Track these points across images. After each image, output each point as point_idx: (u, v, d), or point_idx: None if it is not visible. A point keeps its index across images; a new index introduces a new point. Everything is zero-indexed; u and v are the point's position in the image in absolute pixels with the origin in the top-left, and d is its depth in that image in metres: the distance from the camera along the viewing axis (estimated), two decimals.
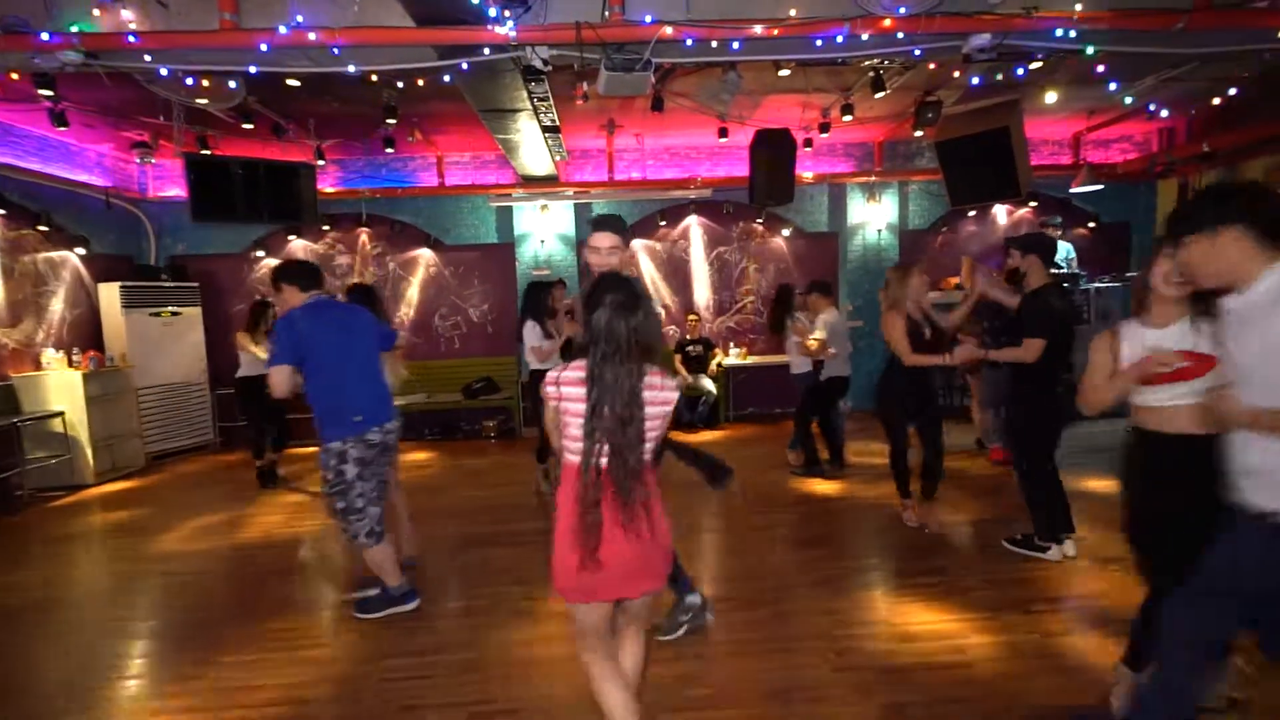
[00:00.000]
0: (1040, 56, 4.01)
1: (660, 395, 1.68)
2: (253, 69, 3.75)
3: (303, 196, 6.15)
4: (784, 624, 2.86)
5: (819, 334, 4.87)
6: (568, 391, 1.65)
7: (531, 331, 4.30)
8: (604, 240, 2.27)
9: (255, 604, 3.21)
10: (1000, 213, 7.82)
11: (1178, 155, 6.55)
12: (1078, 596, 3.02)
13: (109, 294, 6.30)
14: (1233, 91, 5.43)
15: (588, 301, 1.65)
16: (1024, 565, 3.31)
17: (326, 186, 6.95)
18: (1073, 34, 3.68)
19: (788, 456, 5.42)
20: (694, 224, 7.66)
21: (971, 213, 7.63)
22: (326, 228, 7.25)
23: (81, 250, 6.14)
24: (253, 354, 5.03)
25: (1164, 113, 5.88)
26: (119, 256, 6.78)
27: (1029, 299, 3.26)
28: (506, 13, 3.40)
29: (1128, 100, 5.50)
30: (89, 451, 5.65)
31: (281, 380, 2.70)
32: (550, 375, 1.70)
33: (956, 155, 6.09)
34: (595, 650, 1.80)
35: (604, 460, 1.62)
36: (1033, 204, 7.58)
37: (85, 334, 6.25)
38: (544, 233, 7.25)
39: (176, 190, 6.94)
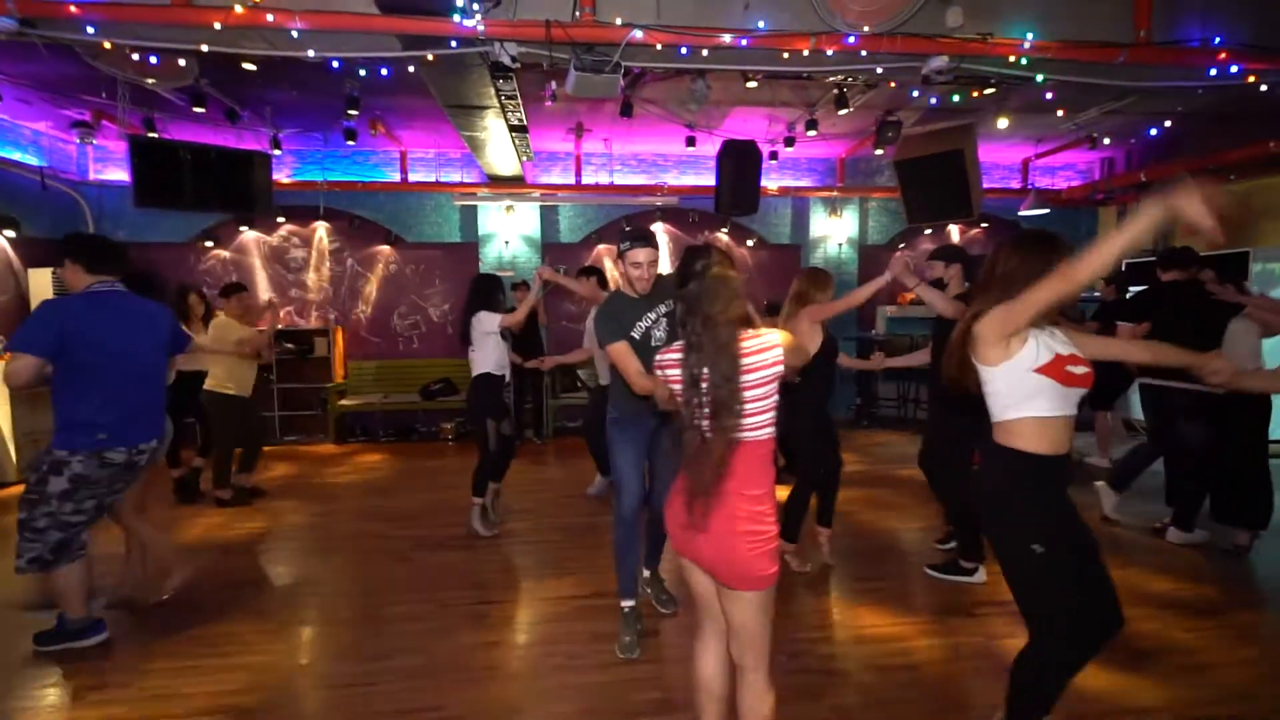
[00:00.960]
0: (994, 81, 4.19)
1: (759, 358, 1.60)
2: (205, 48, 3.60)
3: (256, 185, 5.92)
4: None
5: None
6: (670, 374, 1.70)
7: (489, 319, 3.78)
8: (643, 255, 2.42)
9: (187, 609, 3.05)
10: (954, 232, 8.11)
11: (1116, 184, 6.94)
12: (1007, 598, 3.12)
13: (40, 281, 5.93)
14: (1168, 124, 5.78)
15: (683, 274, 1.69)
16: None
17: (282, 177, 6.72)
18: (1024, 61, 3.86)
19: None
20: (661, 230, 7.71)
21: (928, 231, 7.89)
22: (281, 219, 7.00)
23: (11, 233, 5.76)
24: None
25: (1105, 141, 6.22)
26: (53, 241, 6.38)
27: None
28: (475, 6, 3.36)
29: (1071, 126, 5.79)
30: (11, 448, 5.29)
31: (22, 370, 2.31)
32: (657, 360, 1.75)
33: (914, 175, 6.29)
34: (702, 626, 1.80)
35: (706, 428, 1.60)
36: (984, 224, 7.89)
37: (13, 323, 5.85)
38: (509, 234, 7.18)
39: (119, 174, 6.60)
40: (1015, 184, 7.78)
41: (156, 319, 2.69)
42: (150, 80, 4.27)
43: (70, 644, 2.70)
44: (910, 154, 6.19)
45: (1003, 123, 5.52)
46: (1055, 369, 1.72)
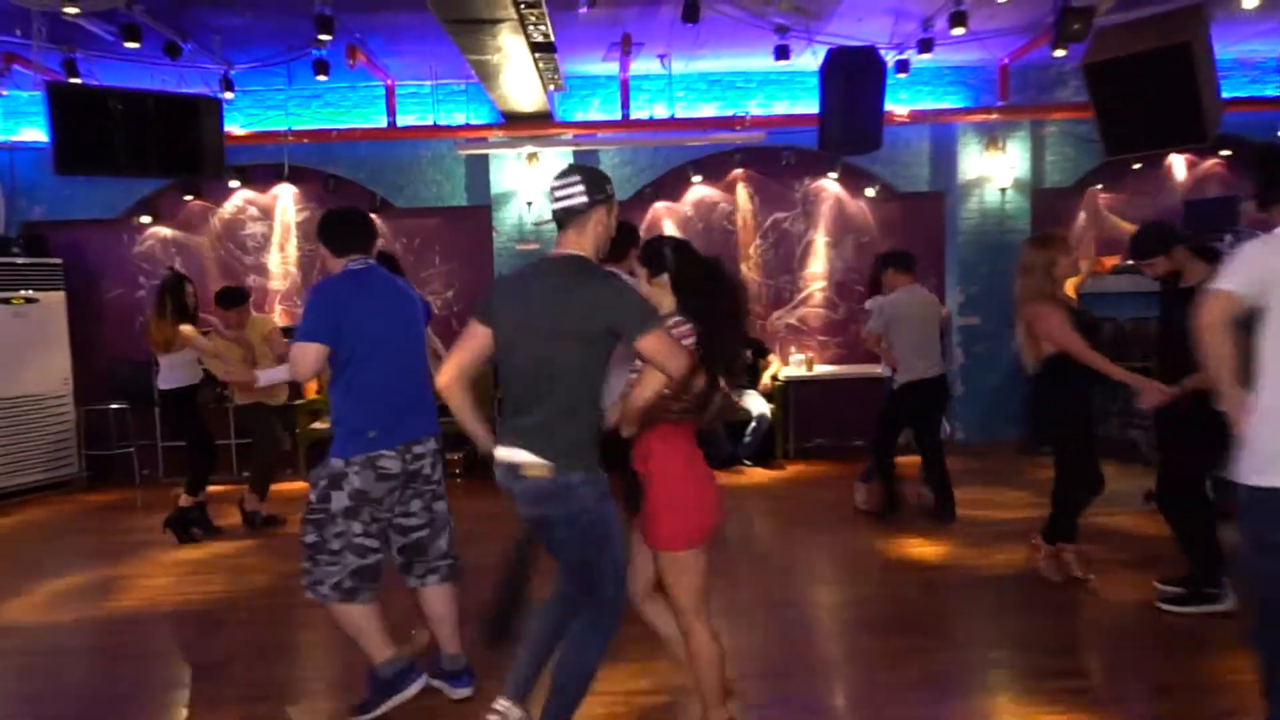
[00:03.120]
0: None
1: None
2: None
3: (204, 141, 6.28)
4: None
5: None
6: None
7: None
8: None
9: (130, 698, 3.23)
10: (1178, 165, 7.70)
11: None
12: None
13: None
14: None
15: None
16: (1212, 665, 3.24)
17: (236, 128, 7.10)
18: None
19: (855, 494, 5.48)
20: (741, 180, 7.65)
21: (1136, 165, 7.54)
22: (235, 184, 7.38)
23: None
24: (194, 349, 5.08)
25: None
26: None
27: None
28: None
29: None
30: None
31: (305, 359, 2.79)
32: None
33: (1115, 84, 6.03)
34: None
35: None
36: (1224, 152, 7.48)
37: None
38: (531, 192, 7.31)
39: (34, 131, 7.13)
40: (1272, 89, 7.33)
41: (414, 300, 3.13)
42: (69, 7, 4.59)
43: (392, 698, 2.95)
44: (1109, 53, 5.93)
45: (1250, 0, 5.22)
46: None
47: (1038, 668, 3.31)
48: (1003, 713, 3.00)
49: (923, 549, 4.78)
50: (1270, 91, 7.34)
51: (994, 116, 7.27)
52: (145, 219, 7.47)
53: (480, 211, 7.45)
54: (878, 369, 6.93)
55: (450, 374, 2.42)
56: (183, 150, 6.15)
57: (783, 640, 3.61)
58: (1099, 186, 7.69)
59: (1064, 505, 4.00)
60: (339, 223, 3.03)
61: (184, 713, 3.16)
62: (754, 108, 7.33)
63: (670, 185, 7.60)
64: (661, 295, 2.46)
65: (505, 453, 2.32)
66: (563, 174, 2.36)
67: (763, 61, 6.79)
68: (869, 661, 3.43)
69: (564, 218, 2.32)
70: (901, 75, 6.52)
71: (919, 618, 3.88)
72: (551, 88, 6.29)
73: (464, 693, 3.05)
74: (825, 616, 4.00)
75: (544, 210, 7.34)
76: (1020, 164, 7.44)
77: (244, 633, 3.87)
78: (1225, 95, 6.72)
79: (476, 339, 2.41)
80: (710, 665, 2.45)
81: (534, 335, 2.27)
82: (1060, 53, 5.80)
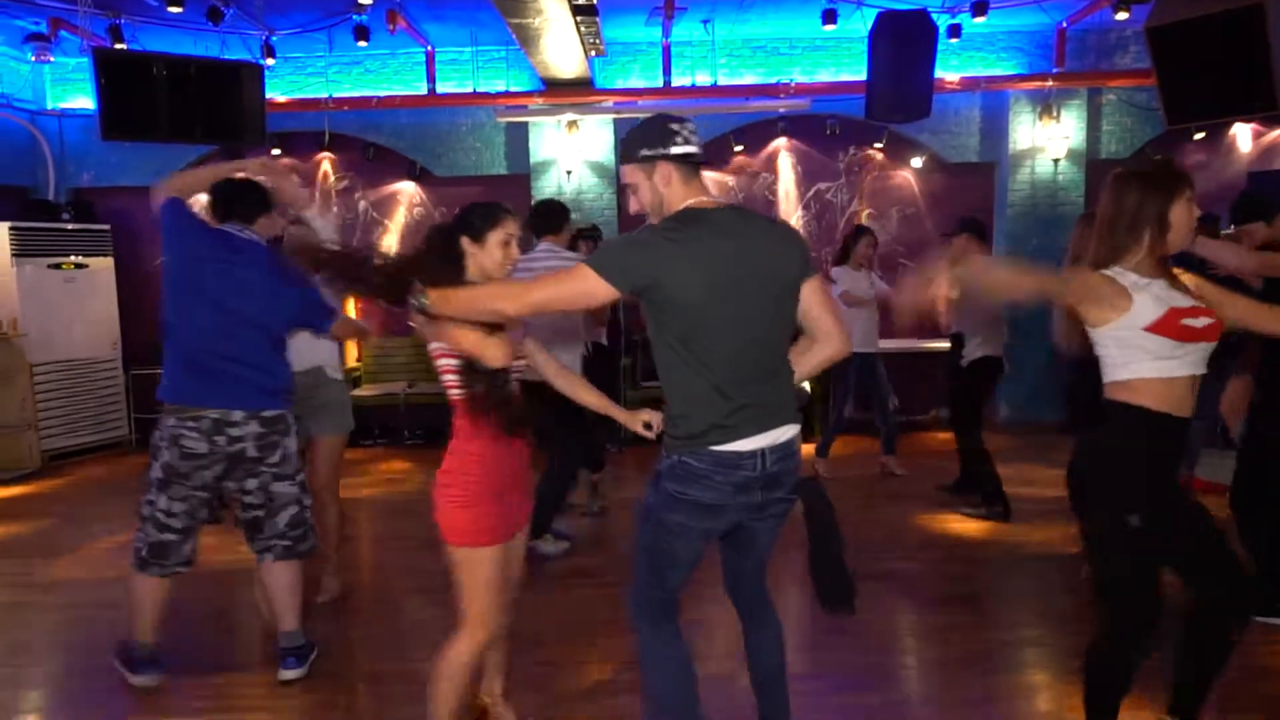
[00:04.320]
0: None
1: None
2: None
3: (245, 107, 6.35)
4: (907, 714, 2.87)
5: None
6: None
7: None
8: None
9: (179, 650, 3.33)
10: (1242, 135, 7.42)
11: None
12: None
13: None
14: None
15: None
16: (1256, 648, 3.17)
17: (277, 95, 7.16)
18: None
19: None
20: (784, 149, 7.56)
21: (1198, 135, 7.28)
22: (277, 151, 7.46)
23: None
24: None
25: None
26: (5, 188, 7.15)
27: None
28: None
29: None
30: None
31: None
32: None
33: (1179, 48, 5.82)
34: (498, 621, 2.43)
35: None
36: None
37: None
38: (571, 160, 7.30)
39: (83, 98, 7.27)
40: None
41: (274, 275, 3.13)
42: None
43: (126, 673, 3.06)
44: (1175, 16, 5.72)
45: None
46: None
47: (1079, 647, 3.27)
48: (1043, 689, 3.00)
49: (963, 525, 4.74)
50: None
51: (1049, 84, 7.05)
52: None
53: (519, 180, 7.45)
54: (921, 344, 6.83)
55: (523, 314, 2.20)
56: (225, 117, 6.23)
57: (822, 615, 3.60)
58: (1158, 158, 7.44)
59: None
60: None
61: (233, 664, 3.27)
62: (798, 75, 7.20)
63: (712, 154, 7.48)
64: None
65: (775, 434, 2.05)
66: (687, 118, 2.13)
67: (809, 27, 6.66)
68: (908, 637, 3.44)
69: (699, 164, 2.11)
70: (953, 40, 6.36)
71: (959, 594, 3.88)
72: (593, 53, 6.23)
73: (290, 674, 3.07)
74: (864, 590, 3.96)
75: (582, 180, 7.32)
76: (1075, 134, 7.22)
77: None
78: None
79: (592, 294, 2.01)
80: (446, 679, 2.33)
81: (765, 290, 2.03)
82: (1123, 15, 5.62)
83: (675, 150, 2.04)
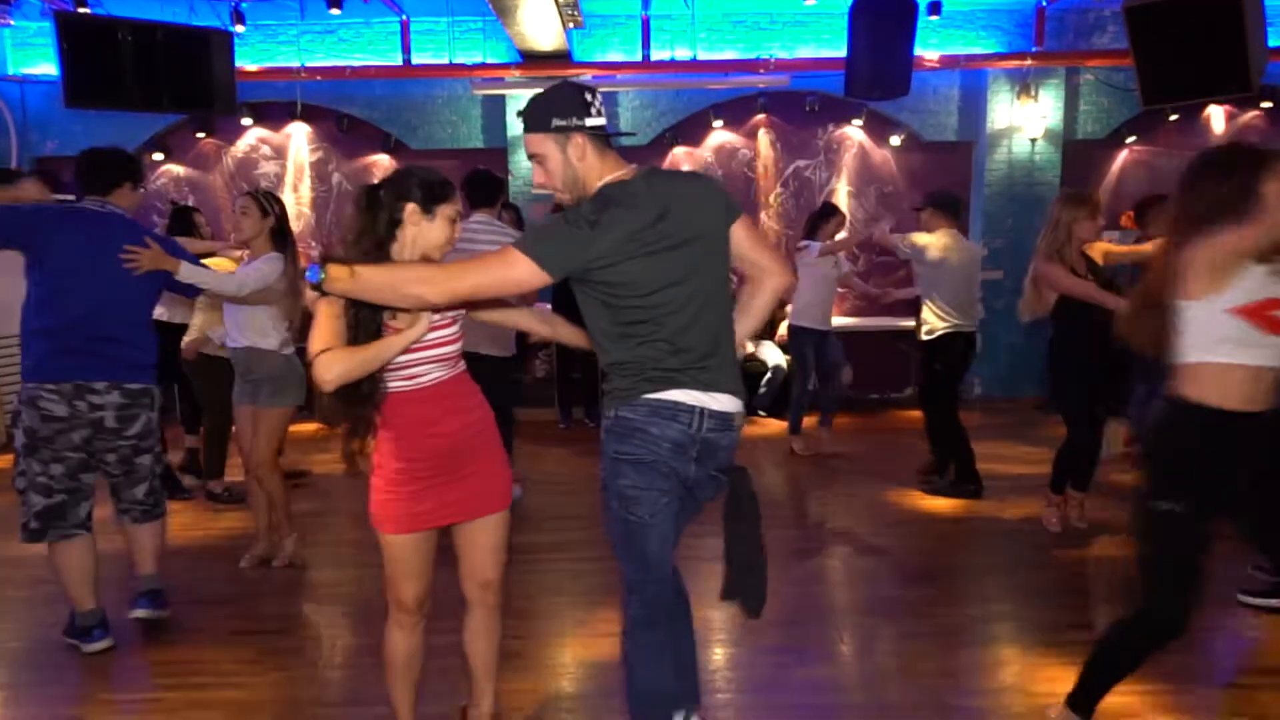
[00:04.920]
0: None
1: None
2: None
3: (215, 76, 6.18)
4: (879, 688, 2.90)
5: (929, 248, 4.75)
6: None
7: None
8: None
9: (145, 627, 3.32)
10: (1216, 116, 7.49)
11: None
12: None
13: None
14: None
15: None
16: (1229, 618, 3.25)
17: (248, 63, 7.00)
18: None
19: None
20: (763, 126, 7.52)
21: (1173, 116, 7.34)
22: (248, 121, 7.32)
23: None
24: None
25: None
26: None
27: None
28: None
29: None
30: None
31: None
32: None
33: (1155, 29, 5.82)
34: (424, 604, 2.34)
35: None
36: (1265, 104, 7.27)
37: None
38: None
39: (46, 64, 7.06)
40: None
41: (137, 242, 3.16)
42: None
43: (75, 642, 3.12)
44: None
45: None
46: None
47: (1049, 621, 3.35)
48: (1014, 663, 3.05)
49: (937, 502, 4.80)
50: None
51: (1028, 62, 7.06)
52: (158, 156, 7.44)
53: (496, 154, 7.37)
54: (899, 322, 6.87)
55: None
56: (193, 85, 6.06)
57: (798, 590, 3.65)
58: (1133, 139, 7.50)
59: (1062, 457, 4.21)
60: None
61: (211, 639, 3.24)
62: (778, 50, 7.15)
63: (691, 129, 7.47)
64: None
65: (717, 399, 2.00)
66: (596, 88, 2.05)
67: (790, 1, 6.61)
68: (883, 612, 3.47)
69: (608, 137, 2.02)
70: (933, 18, 6.33)
71: (933, 570, 3.93)
72: (571, 25, 6.15)
73: (142, 613, 3.22)
74: (840, 567, 4.04)
75: None
76: (1052, 113, 7.25)
77: (259, 567, 3.94)
78: (1272, 44, 6.49)
79: (522, 282, 1.91)
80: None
81: (696, 249, 1.97)
82: None
83: (590, 122, 1.94)
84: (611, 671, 2.95)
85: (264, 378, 3.73)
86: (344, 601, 3.65)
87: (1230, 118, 7.51)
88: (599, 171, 1.99)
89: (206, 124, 7.27)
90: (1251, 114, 7.44)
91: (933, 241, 4.74)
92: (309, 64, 7.06)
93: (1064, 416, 4.17)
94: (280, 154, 7.56)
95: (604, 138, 1.99)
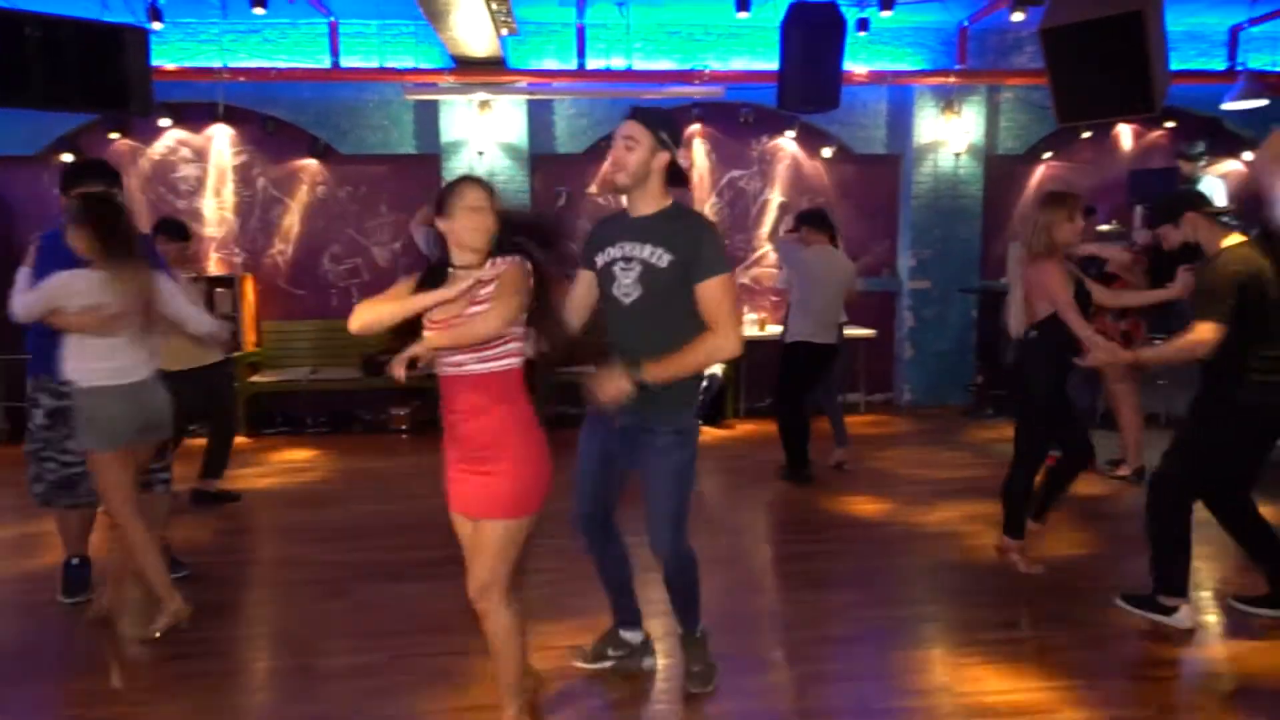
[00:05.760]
0: None
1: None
2: None
3: (130, 74, 5.92)
4: (807, 692, 2.93)
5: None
6: None
7: None
8: (626, 127, 2.54)
9: (52, 654, 3.17)
10: (1125, 135, 7.87)
11: None
12: (1209, 659, 3.11)
13: None
14: None
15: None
16: (1138, 620, 3.38)
17: (166, 62, 6.75)
18: None
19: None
20: (698, 136, 7.60)
21: (1086, 134, 7.68)
22: (166, 122, 7.06)
23: None
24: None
25: None
26: None
27: (1202, 268, 3.26)
28: None
29: None
30: None
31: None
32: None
33: (1069, 50, 6.05)
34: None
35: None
36: (1168, 124, 7.65)
37: None
38: (483, 141, 7.15)
39: None
40: (1217, 64, 7.49)
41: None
42: None
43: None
44: (1065, 18, 5.96)
45: None
46: None
47: (971, 621, 3.43)
48: (940, 664, 3.10)
49: (865, 507, 4.89)
50: (1217, 65, 7.50)
51: (952, 80, 7.30)
52: (67, 156, 7.07)
53: (429, 160, 7.26)
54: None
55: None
56: (106, 84, 5.79)
57: (725, 597, 3.66)
58: (1049, 155, 7.82)
59: (1013, 495, 3.82)
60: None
61: (114, 671, 3.09)
62: (713, 62, 7.24)
63: None
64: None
65: None
66: None
67: (723, 14, 6.68)
68: (810, 617, 3.51)
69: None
70: (862, 33, 6.48)
71: (859, 574, 3.98)
72: (504, 31, 6.10)
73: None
74: (769, 573, 4.08)
75: (494, 162, 7.18)
76: (975, 129, 7.51)
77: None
78: (1174, 67, 6.85)
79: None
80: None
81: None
82: (1019, 16, 5.83)
83: (677, 157, 2.52)
84: (551, 683, 2.92)
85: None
86: (264, 622, 3.53)
87: (1138, 135, 7.90)
88: (659, 187, 2.54)
89: (121, 124, 6.99)
90: (1156, 133, 7.85)
91: (810, 255, 5.07)
92: (232, 64, 6.83)
93: (1021, 444, 3.82)
94: (201, 157, 7.30)
95: (673, 174, 2.56)
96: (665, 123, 2.49)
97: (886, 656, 3.15)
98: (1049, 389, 3.68)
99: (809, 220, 5.30)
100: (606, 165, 2.65)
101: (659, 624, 3.18)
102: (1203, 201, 3.39)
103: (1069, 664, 3.04)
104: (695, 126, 7.54)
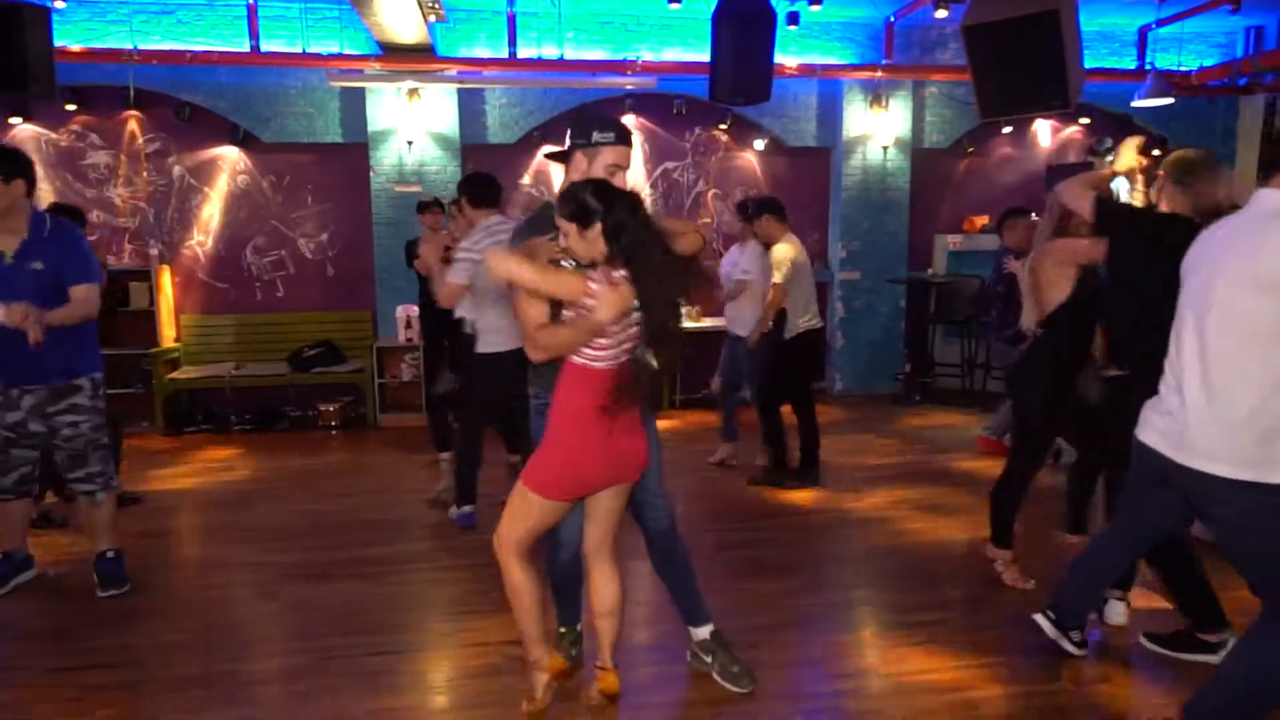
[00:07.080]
0: None
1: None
2: None
3: (30, 55, 5.59)
4: None
5: (778, 275, 4.92)
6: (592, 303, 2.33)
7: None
8: (619, 155, 2.72)
9: None
10: (1042, 130, 8.17)
11: (1265, 64, 7.02)
12: (1119, 635, 3.26)
13: None
14: None
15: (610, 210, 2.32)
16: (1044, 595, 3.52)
17: (71, 43, 6.42)
18: None
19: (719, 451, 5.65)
20: (632, 127, 7.55)
21: (1006, 129, 7.93)
22: (72, 107, 6.71)
23: None
24: None
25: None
26: None
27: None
28: None
29: None
30: None
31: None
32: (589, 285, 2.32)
33: (989, 47, 6.23)
34: (607, 548, 2.66)
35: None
36: (1083, 120, 7.97)
37: None
38: (412, 130, 7.00)
39: None
40: (1128, 63, 7.83)
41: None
42: None
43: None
44: (986, 16, 6.13)
45: None
46: None
47: (898, 604, 3.54)
48: (867, 647, 3.19)
49: (797, 495, 4.98)
50: (1128, 64, 7.84)
51: (879, 74, 7.44)
52: None
53: (356, 149, 7.08)
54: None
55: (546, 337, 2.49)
56: (4, 65, 5.48)
57: (660, 588, 3.68)
58: (972, 149, 8.05)
59: (1002, 502, 3.64)
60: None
61: (25, 675, 2.95)
62: (646, 52, 7.23)
63: (559, 129, 7.36)
64: (593, 247, 2.34)
65: None
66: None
67: (656, 4, 6.68)
68: (742, 605, 3.54)
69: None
70: (792, 27, 6.57)
71: (792, 561, 4.05)
72: (432, 18, 5.98)
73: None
74: (702, 562, 4.09)
75: (424, 151, 7.05)
76: (902, 123, 7.69)
77: (84, 600, 3.61)
78: (1088, 65, 7.14)
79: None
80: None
81: None
82: (942, 13, 5.98)
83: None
84: (481, 680, 2.90)
85: None
86: (189, 626, 3.41)
87: (1055, 131, 8.20)
88: None
89: (21, 108, 6.63)
90: (1072, 129, 8.16)
91: (789, 252, 4.94)
92: (143, 46, 6.53)
93: (1018, 444, 3.71)
94: (113, 144, 6.97)
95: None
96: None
97: (819, 641, 3.22)
98: (1050, 392, 3.47)
99: (770, 209, 5.11)
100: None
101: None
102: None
103: (987, 643, 3.16)
104: (629, 118, 7.52)
